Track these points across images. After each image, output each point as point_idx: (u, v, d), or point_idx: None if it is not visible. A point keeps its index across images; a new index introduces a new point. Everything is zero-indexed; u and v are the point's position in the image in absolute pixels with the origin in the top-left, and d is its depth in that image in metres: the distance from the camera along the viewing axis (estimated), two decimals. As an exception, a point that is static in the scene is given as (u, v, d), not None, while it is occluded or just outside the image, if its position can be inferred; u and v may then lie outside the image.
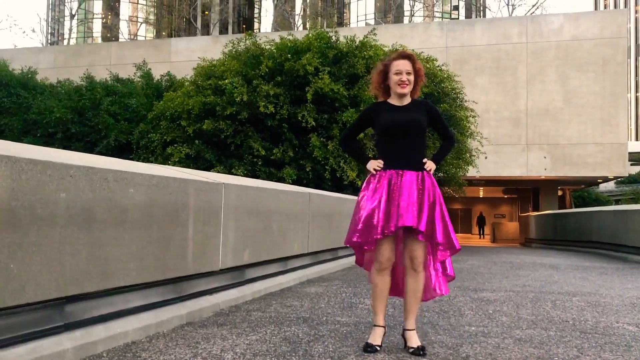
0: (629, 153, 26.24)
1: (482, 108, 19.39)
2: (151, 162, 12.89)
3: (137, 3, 74.92)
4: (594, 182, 27.38)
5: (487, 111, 21.64)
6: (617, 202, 55.37)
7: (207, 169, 11.96)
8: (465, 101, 14.81)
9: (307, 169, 11.84)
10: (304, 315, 4.33)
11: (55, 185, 2.78)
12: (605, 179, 25.02)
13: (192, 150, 12.15)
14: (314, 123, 11.83)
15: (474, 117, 14.66)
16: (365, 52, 12.98)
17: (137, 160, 13.60)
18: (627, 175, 25.86)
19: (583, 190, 34.70)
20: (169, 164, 11.87)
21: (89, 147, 14.92)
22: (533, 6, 52.38)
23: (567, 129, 22.09)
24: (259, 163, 12.04)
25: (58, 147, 14.70)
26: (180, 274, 3.96)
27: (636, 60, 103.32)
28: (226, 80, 12.24)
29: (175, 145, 12.46)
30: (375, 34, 13.63)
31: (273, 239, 5.70)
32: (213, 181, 4.45)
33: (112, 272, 3.24)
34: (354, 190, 11.98)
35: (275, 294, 5.41)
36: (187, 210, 4.01)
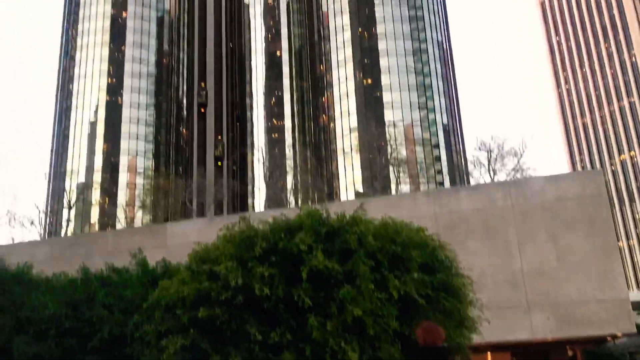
0: (633, 302, 25.79)
1: (477, 272, 19.30)
2: (145, 355, 12.50)
3: (135, 189, 78.05)
4: (604, 339, 26.53)
5: (483, 274, 21.54)
6: (632, 354, 52.46)
7: (204, 359, 11.59)
8: (461, 269, 14.87)
9: (307, 353, 11.46)
10: None
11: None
12: (614, 336, 24.27)
13: (187, 341, 11.82)
14: (310, 303, 11.70)
15: (470, 284, 14.63)
16: (356, 228, 13.26)
17: (132, 354, 13.19)
18: (635, 330, 25.14)
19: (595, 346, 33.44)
20: (163, 357, 11.49)
21: (82, 342, 14.50)
22: (513, 169, 54.88)
23: (566, 288, 21.91)
24: (256, 349, 11.67)
25: (50, 344, 14.31)
26: None
27: (621, 209, 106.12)
28: (221, 265, 12.32)
29: (170, 336, 12.16)
30: (364, 210, 14.04)
31: None
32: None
33: None
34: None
35: None
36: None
